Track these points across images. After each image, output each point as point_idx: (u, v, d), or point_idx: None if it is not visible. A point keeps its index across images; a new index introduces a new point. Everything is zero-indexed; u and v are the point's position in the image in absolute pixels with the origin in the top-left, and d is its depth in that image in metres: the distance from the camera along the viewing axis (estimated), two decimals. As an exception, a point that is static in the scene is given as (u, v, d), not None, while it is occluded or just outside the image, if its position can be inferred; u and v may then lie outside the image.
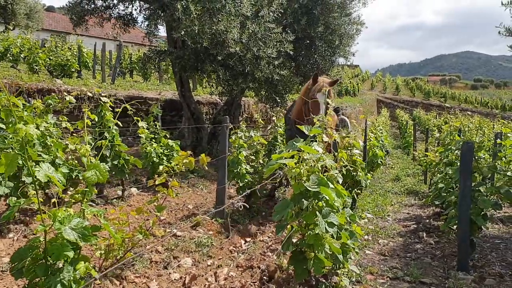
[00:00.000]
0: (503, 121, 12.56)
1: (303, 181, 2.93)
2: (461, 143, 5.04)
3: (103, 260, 3.77)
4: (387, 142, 14.62)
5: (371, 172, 10.42)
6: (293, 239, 3.20)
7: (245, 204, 3.67)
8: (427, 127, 18.25)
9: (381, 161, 11.03)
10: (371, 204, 8.64)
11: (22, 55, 15.22)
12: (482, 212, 4.90)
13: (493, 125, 16.21)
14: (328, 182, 2.98)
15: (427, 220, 7.27)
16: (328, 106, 5.11)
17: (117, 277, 3.76)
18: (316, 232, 2.86)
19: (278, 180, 4.04)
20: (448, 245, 5.72)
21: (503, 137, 8.38)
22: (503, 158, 7.48)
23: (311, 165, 2.98)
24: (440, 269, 4.85)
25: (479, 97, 59.58)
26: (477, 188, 4.94)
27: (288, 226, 3.22)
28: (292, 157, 2.99)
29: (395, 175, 13.23)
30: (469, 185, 4.60)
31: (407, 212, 8.27)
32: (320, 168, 3.05)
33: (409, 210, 8.54)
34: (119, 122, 5.99)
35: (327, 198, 3.01)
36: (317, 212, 2.94)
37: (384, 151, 12.79)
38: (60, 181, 2.74)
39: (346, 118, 8.42)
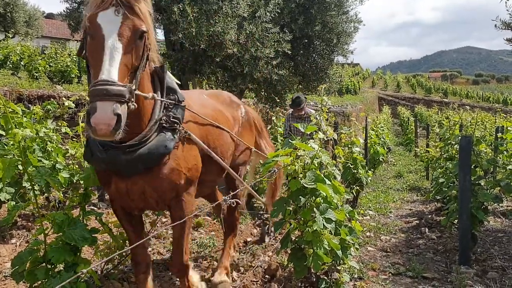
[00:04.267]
0: (503, 115, 12.54)
1: (299, 178, 2.94)
2: (459, 137, 5.04)
3: (105, 263, 3.79)
4: (388, 139, 14.59)
5: (373, 170, 10.41)
6: (292, 236, 3.22)
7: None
8: (428, 123, 18.23)
9: (382, 158, 11.02)
10: (373, 201, 8.64)
11: (22, 63, 15.26)
12: (483, 206, 4.90)
13: (495, 119, 16.18)
14: (325, 178, 2.99)
15: (429, 216, 7.27)
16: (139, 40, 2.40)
17: (118, 279, 3.77)
18: (314, 228, 2.87)
19: (274, 178, 3.99)
20: (450, 239, 5.72)
21: (504, 130, 8.39)
22: (505, 152, 7.48)
23: (307, 162, 2.99)
24: (442, 264, 4.86)
25: (480, 92, 59.47)
26: (477, 182, 4.94)
27: (287, 224, 3.23)
28: (288, 154, 3.00)
29: (397, 172, 13.20)
30: (468, 179, 4.60)
31: (409, 208, 8.27)
32: (316, 165, 3.06)
33: (411, 206, 8.54)
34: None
35: (325, 194, 3.02)
36: (314, 209, 2.95)
37: (385, 148, 12.78)
38: (58, 185, 2.76)
39: (313, 112, 6.85)
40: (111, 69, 2.22)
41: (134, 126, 2.50)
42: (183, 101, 2.94)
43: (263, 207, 6.63)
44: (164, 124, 2.75)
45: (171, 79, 2.95)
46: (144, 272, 3.09)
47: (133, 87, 2.32)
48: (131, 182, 2.72)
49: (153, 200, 2.84)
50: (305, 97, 7.00)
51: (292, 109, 7.23)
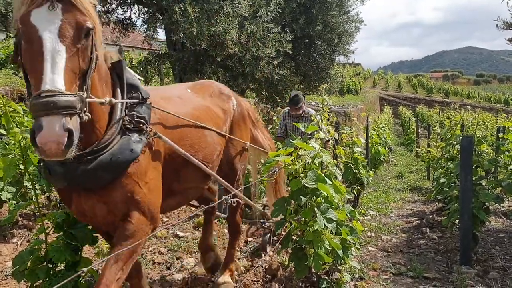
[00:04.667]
0: (505, 115, 12.53)
1: (300, 178, 2.94)
2: (460, 137, 5.04)
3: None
4: (389, 139, 14.58)
5: (374, 170, 10.42)
6: (292, 236, 3.22)
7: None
8: (429, 123, 18.21)
9: (383, 158, 11.02)
10: (374, 201, 8.64)
11: (23, 62, 15.28)
12: (484, 206, 4.90)
13: (496, 119, 16.15)
14: (326, 178, 2.99)
15: (430, 216, 7.26)
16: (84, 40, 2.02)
17: (119, 279, 3.77)
18: (315, 228, 2.87)
19: (275, 177, 3.93)
20: (451, 239, 5.71)
21: (505, 131, 8.38)
22: (506, 152, 7.48)
23: (308, 162, 2.99)
24: (444, 264, 4.86)
25: (482, 92, 59.42)
26: (478, 182, 4.93)
27: (287, 223, 3.23)
28: (289, 154, 3.00)
29: (398, 172, 13.20)
30: (470, 179, 4.59)
31: (410, 208, 8.26)
32: (317, 165, 3.06)
33: (412, 206, 8.53)
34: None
35: (326, 194, 3.02)
36: (315, 209, 2.95)
37: (386, 148, 12.78)
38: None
39: (313, 112, 6.20)
40: (55, 77, 1.85)
41: (91, 131, 2.22)
42: (147, 98, 2.55)
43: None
44: (127, 125, 2.38)
45: (132, 75, 2.60)
46: (136, 277, 2.91)
47: (84, 95, 1.97)
48: (86, 197, 2.32)
49: (104, 218, 2.38)
50: (303, 96, 6.60)
51: (289, 108, 6.63)
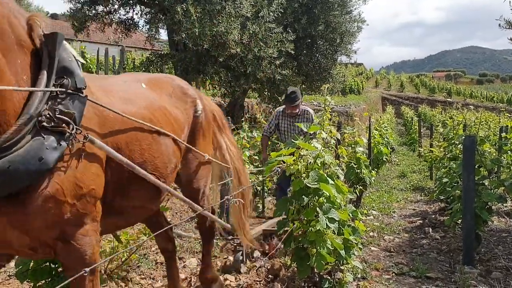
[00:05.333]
0: (508, 114, 12.51)
1: (302, 178, 2.95)
2: (463, 137, 5.03)
3: (108, 262, 3.80)
4: (392, 139, 14.58)
5: (376, 169, 10.40)
6: (295, 236, 3.22)
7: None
8: (432, 123, 18.19)
9: (386, 158, 11.00)
10: (377, 201, 8.62)
11: (26, 63, 15.32)
12: (487, 206, 4.89)
13: (499, 119, 16.10)
14: (328, 178, 2.99)
15: (433, 216, 7.26)
16: None
17: (122, 279, 3.78)
18: (317, 228, 2.87)
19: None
20: (454, 239, 5.70)
21: (508, 130, 8.37)
22: (509, 151, 7.47)
23: (310, 162, 2.99)
24: (446, 264, 4.85)
25: (484, 92, 59.29)
26: (481, 182, 4.92)
27: (290, 223, 3.24)
28: (291, 154, 3.01)
29: (401, 172, 13.18)
30: (472, 179, 4.58)
31: (412, 208, 8.25)
32: (319, 165, 3.06)
33: (415, 206, 8.52)
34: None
35: (328, 194, 3.02)
36: (317, 209, 2.95)
37: (389, 148, 12.76)
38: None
39: (311, 111, 5.66)
40: None
41: None
42: (83, 88, 1.87)
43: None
44: (44, 123, 1.71)
45: (70, 55, 1.95)
46: None
47: None
48: None
49: (26, 246, 1.86)
50: (301, 93, 5.96)
51: (284, 106, 5.71)
